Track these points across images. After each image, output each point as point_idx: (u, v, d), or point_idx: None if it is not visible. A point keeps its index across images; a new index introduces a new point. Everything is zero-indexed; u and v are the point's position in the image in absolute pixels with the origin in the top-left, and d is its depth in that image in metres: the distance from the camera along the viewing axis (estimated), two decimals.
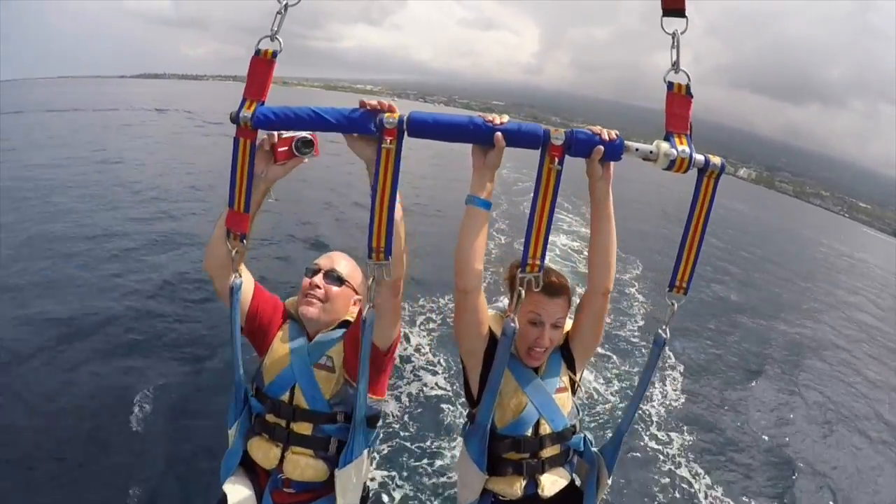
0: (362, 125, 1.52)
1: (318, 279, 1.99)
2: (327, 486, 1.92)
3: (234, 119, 1.56)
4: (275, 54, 1.56)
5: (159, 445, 4.77)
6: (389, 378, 2.09)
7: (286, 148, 1.70)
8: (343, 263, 2.06)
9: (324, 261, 2.06)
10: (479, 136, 1.54)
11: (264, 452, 1.92)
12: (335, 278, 2.01)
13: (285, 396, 1.92)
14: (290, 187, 13.92)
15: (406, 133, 1.51)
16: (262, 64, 1.56)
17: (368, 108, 1.51)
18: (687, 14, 1.51)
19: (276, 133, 1.67)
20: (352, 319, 2.02)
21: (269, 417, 1.93)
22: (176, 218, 11.70)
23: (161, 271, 8.56)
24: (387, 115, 1.48)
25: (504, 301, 2.16)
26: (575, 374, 2.03)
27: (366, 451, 1.89)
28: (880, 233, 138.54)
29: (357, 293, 2.07)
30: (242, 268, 1.83)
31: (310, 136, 1.70)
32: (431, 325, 8.14)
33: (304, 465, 1.90)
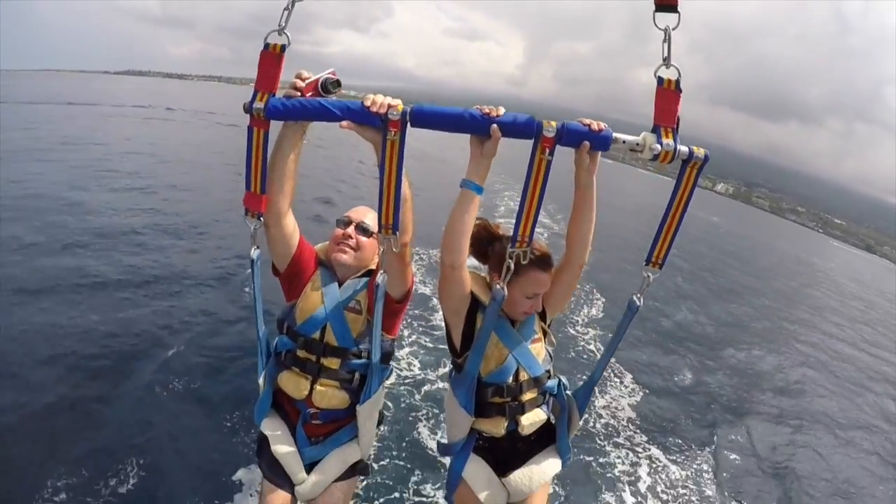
0: (368, 118, 1.64)
1: (351, 230, 2.15)
2: (349, 415, 2.15)
3: (248, 110, 1.69)
4: (283, 48, 1.67)
5: (189, 399, 4.93)
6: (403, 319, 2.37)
7: (313, 91, 1.75)
8: (370, 216, 2.20)
9: (353, 213, 2.21)
10: (476, 126, 1.63)
11: (294, 384, 2.09)
12: (364, 230, 2.17)
13: (316, 334, 2.09)
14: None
15: (409, 124, 1.63)
16: (271, 58, 1.67)
17: (372, 111, 1.63)
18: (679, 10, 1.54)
19: (301, 77, 1.77)
20: (374, 268, 2.20)
21: (301, 353, 2.09)
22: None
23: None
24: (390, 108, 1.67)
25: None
26: (546, 323, 2.19)
27: (381, 387, 2.15)
28: (853, 247, 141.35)
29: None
30: (290, 215, 2.01)
31: (335, 77, 1.76)
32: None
33: (330, 395, 2.09)
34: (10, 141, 17.20)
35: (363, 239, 2.16)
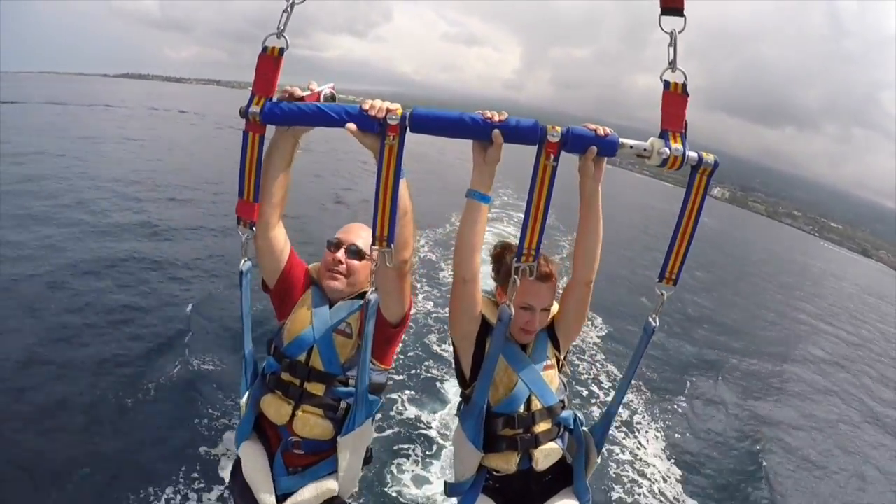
0: (366, 123, 1.59)
1: (341, 255, 2.04)
2: (333, 447, 1.99)
3: (244, 114, 1.66)
4: (281, 51, 1.65)
5: (173, 417, 5.08)
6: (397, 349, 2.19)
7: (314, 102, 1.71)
8: (364, 236, 2.08)
9: (344, 234, 2.09)
10: (478, 132, 1.58)
11: (276, 408, 1.98)
12: (355, 252, 2.05)
13: (302, 357, 1.98)
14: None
15: (408, 129, 1.58)
16: (269, 61, 1.65)
17: (371, 116, 1.58)
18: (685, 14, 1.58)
19: (298, 89, 1.70)
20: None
21: (285, 376, 1.99)
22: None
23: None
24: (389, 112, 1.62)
25: (489, 284, 2.09)
26: (560, 353, 2.07)
27: (368, 420, 1.99)
28: (848, 251, 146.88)
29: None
30: (280, 227, 1.95)
31: (333, 93, 1.74)
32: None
33: (312, 424, 1.95)
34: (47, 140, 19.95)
35: (355, 263, 2.05)
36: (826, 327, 19.56)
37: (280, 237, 1.96)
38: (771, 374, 11.99)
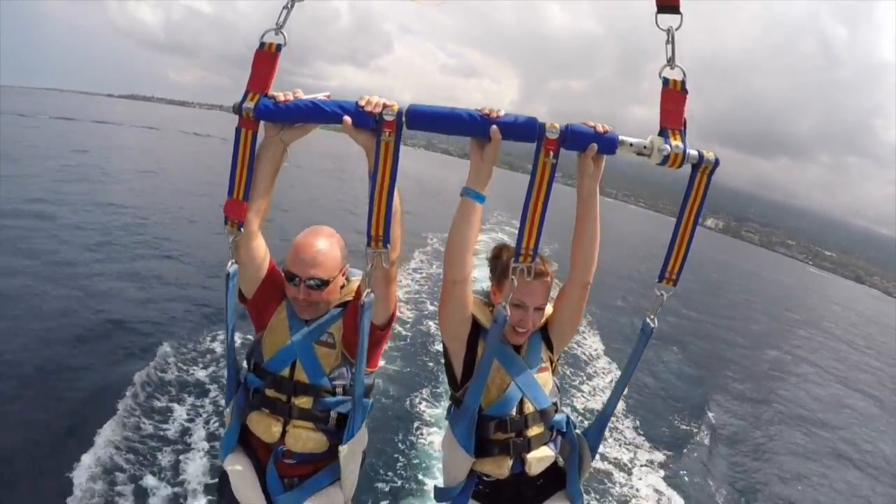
0: (362, 118, 1.56)
1: (302, 292, 1.92)
2: (327, 456, 1.96)
3: (237, 110, 1.63)
4: (279, 48, 1.62)
5: (152, 425, 5.10)
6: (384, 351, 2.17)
7: None
8: (321, 262, 1.92)
9: (298, 268, 1.92)
10: (475, 128, 1.56)
11: (265, 427, 1.92)
12: (316, 286, 1.92)
13: (286, 372, 1.94)
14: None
15: (405, 125, 1.55)
16: (265, 57, 1.62)
17: (367, 111, 1.56)
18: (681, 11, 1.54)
19: (294, 93, 1.66)
20: (350, 299, 2.03)
21: (270, 392, 1.94)
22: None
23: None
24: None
25: (482, 285, 2.10)
26: (554, 354, 2.05)
27: (364, 424, 1.97)
28: (842, 277, 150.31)
29: (342, 267, 2.01)
30: (261, 236, 1.89)
31: (330, 100, 1.68)
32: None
33: (305, 438, 1.91)
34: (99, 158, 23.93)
35: (321, 293, 1.94)
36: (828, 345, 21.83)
37: (261, 246, 1.91)
38: (769, 388, 13.12)
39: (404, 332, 9.02)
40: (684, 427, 8.32)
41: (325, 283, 1.92)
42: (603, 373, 9.08)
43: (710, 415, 9.37)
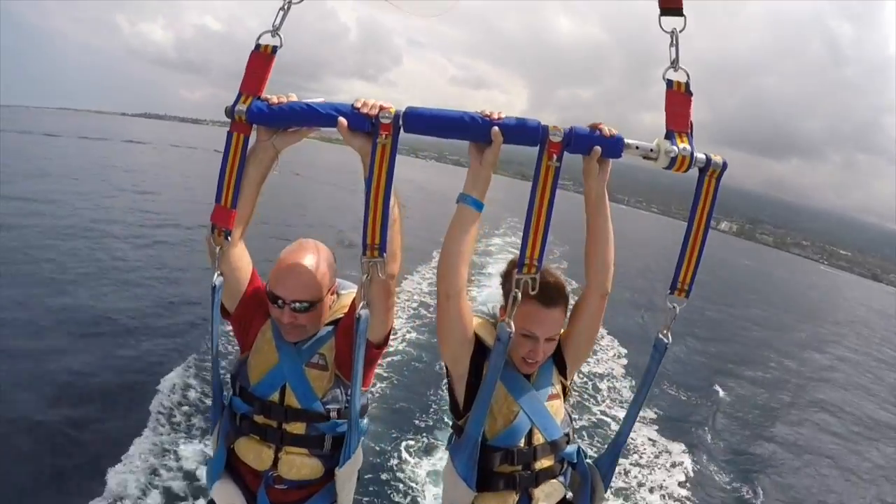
0: (357, 121, 1.50)
1: (287, 316, 1.80)
2: (321, 481, 1.87)
3: (230, 113, 1.56)
4: (274, 50, 1.57)
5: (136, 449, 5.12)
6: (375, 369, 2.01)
7: None
8: (304, 285, 1.81)
9: (282, 290, 1.79)
10: (476, 131, 1.50)
11: (256, 454, 1.83)
12: (302, 309, 1.80)
13: (275, 396, 1.82)
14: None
15: (402, 128, 1.50)
16: (260, 59, 1.58)
17: (362, 113, 1.50)
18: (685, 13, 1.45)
19: (287, 97, 1.62)
20: (340, 315, 1.92)
21: (259, 419, 1.83)
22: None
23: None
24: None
25: (489, 306, 2.16)
26: (567, 379, 1.93)
27: (360, 446, 1.86)
28: (859, 276, 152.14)
29: (330, 285, 1.92)
30: (243, 246, 1.81)
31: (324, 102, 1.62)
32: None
33: (299, 465, 1.82)
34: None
35: (308, 315, 1.83)
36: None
37: (243, 257, 1.85)
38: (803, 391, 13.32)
39: (408, 349, 8.62)
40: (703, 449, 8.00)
41: (312, 306, 1.82)
42: (616, 390, 8.41)
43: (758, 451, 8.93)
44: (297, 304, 1.79)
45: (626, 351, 11.28)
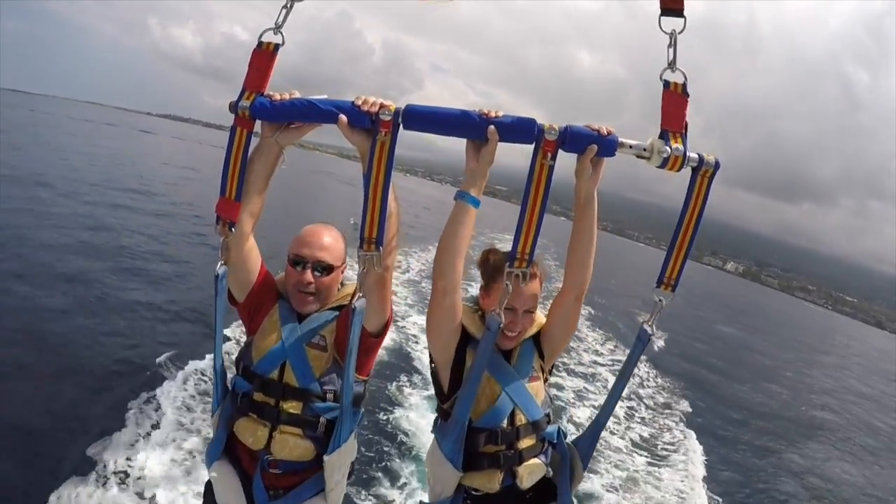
0: (358, 117, 1.53)
1: (308, 275, 1.88)
2: (314, 466, 1.89)
3: (233, 108, 1.61)
4: (276, 48, 1.61)
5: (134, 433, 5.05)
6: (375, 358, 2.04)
7: None
8: (328, 244, 1.92)
9: (307, 249, 1.89)
10: (472, 129, 1.52)
11: (251, 433, 1.85)
12: (323, 269, 1.89)
13: (274, 374, 1.86)
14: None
15: (401, 126, 1.53)
16: (263, 56, 1.61)
17: (363, 110, 1.52)
18: (685, 14, 1.48)
19: (290, 93, 1.64)
20: (344, 302, 1.96)
21: (258, 396, 1.86)
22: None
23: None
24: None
25: (469, 291, 2.08)
26: (546, 364, 1.99)
27: (352, 435, 1.88)
28: (862, 322, 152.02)
29: (344, 260, 2.00)
30: (252, 239, 1.86)
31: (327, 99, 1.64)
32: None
33: (291, 445, 1.84)
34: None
35: (324, 280, 1.90)
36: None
37: (254, 250, 1.88)
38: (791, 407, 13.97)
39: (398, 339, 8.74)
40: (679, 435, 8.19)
41: (330, 270, 1.90)
42: (599, 378, 8.71)
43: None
44: (319, 265, 1.88)
45: (611, 340, 12.47)
